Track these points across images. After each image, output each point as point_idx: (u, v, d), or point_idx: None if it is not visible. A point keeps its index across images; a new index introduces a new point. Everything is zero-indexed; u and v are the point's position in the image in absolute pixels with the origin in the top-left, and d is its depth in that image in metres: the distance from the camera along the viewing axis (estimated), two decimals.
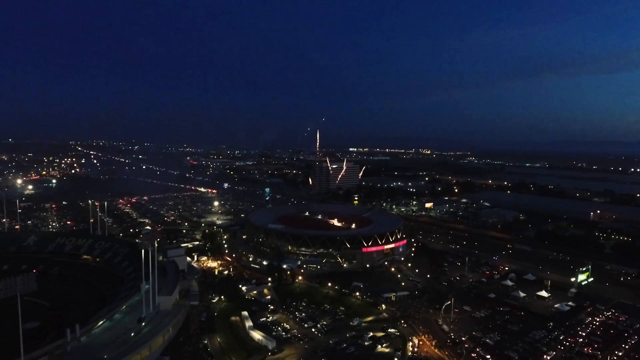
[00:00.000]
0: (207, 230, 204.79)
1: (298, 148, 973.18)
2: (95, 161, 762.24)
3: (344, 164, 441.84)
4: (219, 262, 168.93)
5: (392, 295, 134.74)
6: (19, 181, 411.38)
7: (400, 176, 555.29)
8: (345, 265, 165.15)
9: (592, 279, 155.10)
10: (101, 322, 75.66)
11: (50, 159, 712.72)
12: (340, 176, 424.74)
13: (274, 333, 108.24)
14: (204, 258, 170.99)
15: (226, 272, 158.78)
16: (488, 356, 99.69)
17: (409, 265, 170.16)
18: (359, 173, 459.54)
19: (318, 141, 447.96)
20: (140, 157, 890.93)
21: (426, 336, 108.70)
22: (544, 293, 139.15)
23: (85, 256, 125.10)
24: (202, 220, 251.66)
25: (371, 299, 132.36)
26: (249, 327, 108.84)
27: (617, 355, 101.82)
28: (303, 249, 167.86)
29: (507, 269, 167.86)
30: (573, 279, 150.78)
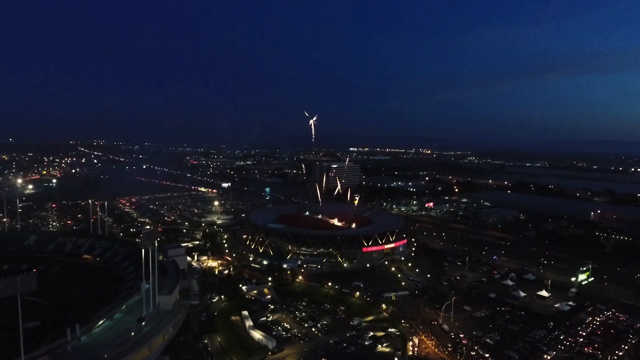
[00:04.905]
0: (207, 230, 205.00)
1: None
2: (95, 161, 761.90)
3: (345, 164, 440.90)
4: (219, 261, 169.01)
5: (393, 295, 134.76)
6: (19, 181, 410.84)
7: (400, 176, 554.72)
8: (345, 264, 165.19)
9: (592, 278, 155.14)
10: (101, 321, 75.62)
11: (51, 158, 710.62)
12: (344, 177, 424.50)
13: (274, 333, 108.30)
14: (204, 258, 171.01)
15: (226, 271, 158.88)
16: (488, 355, 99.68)
17: (409, 265, 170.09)
18: (359, 174, 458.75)
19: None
20: (140, 156, 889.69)
21: (426, 336, 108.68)
22: (544, 293, 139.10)
23: (86, 256, 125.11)
24: (203, 219, 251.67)
25: (371, 298, 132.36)
26: (249, 326, 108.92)
27: (617, 355, 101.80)
28: (303, 248, 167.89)
29: (507, 268, 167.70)
30: (573, 279, 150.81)
